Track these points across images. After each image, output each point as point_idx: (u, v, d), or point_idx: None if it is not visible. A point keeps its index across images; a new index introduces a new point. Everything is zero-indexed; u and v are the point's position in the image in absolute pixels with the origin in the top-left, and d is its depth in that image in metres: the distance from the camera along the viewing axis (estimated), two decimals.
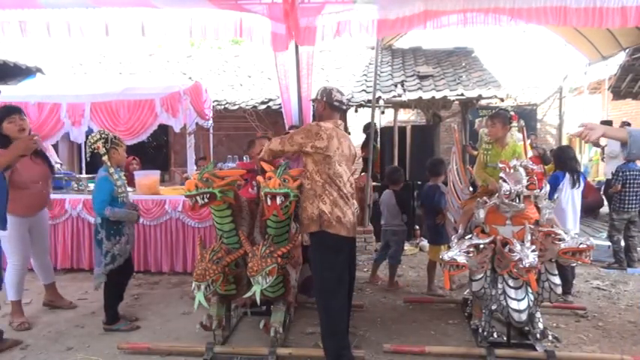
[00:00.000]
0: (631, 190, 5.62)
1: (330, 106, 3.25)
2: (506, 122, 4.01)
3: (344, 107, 3.32)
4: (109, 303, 3.80)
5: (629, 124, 8.48)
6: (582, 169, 5.49)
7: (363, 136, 8.74)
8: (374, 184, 6.49)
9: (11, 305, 3.90)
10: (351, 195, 3.21)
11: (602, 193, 7.95)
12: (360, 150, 9.44)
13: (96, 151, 3.70)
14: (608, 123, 8.74)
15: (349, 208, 3.16)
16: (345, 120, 9.04)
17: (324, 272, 3.13)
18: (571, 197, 4.56)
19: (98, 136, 3.71)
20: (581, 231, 5.11)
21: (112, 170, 3.72)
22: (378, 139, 8.20)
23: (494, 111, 4.30)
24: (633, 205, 5.64)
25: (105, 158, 3.70)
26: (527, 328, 3.32)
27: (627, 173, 5.64)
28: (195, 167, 6.69)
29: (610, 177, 7.58)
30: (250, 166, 4.11)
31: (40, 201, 3.97)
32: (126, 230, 3.79)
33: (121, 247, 3.74)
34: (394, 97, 8.03)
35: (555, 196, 4.20)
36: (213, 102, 7.62)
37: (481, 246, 3.10)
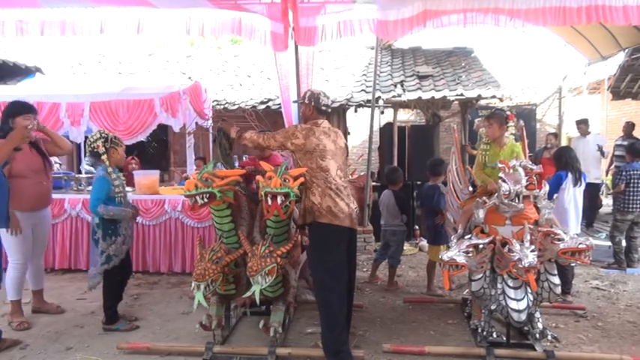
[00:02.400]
0: (635, 190, 5.52)
1: (318, 111, 3.38)
2: (503, 122, 4.01)
3: (329, 110, 3.49)
4: (108, 303, 3.80)
5: (633, 125, 8.44)
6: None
7: (363, 136, 8.73)
8: (373, 184, 6.49)
9: (11, 305, 3.89)
10: (343, 187, 3.26)
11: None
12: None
13: (95, 150, 3.71)
14: (584, 122, 8.61)
15: (341, 199, 3.20)
16: (344, 120, 9.04)
17: (319, 263, 3.18)
18: (573, 196, 4.56)
19: (98, 136, 3.73)
20: (581, 231, 5.11)
21: (110, 170, 3.72)
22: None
23: (491, 111, 4.31)
24: (637, 205, 5.55)
25: (104, 157, 3.71)
26: (526, 328, 3.32)
27: (631, 173, 5.54)
28: (194, 167, 6.69)
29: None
30: (252, 163, 4.13)
31: (41, 194, 3.91)
32: (122, 230, 3.78)
33: (117, 247, 3.73)
34: (394, 97, 8.03)
35: (555, 195, 4.20)
36: (213, 102, 7.62)
37: (480, 246, 3.10)
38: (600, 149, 7.99)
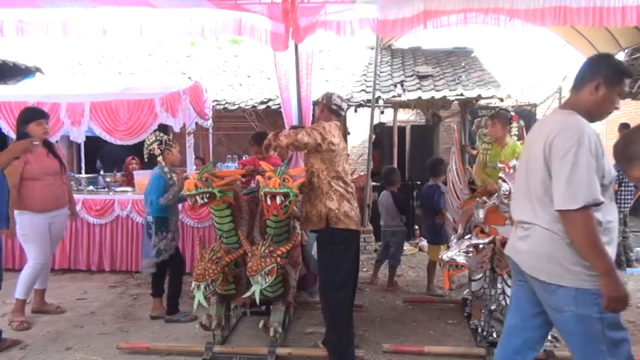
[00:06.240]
0: (627, 189, 5.63)
1: (329, 109, 3.30)
2: (506, 122, 4.03)
3: (341, 112, 3.35)
4: (171, 294, 3.99)
5: (628, 126, 8.44)
6: None
7: (363, 136, 8.74)
8: (373, 184, 6.49)
9: (15, 303, 3.89)
10: (352, 189, 3.26)
11: None
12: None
13: (152, 152, 3.96)
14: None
15: (353, 202, 3.21)
16: (344, 120, 9.03)
17: (332, 268, 3.15)
18: None
19: (153, 138, 3.99)
20: None
21: (166, 169, 3.99)
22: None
23: (493, 111, 4.32)
24: (628, 203, 5.68)
25: (159, 159, 3.98)
26: None
27: (622, 172, 5.59)
28: (194, 167, 6.69)
29: None
30: (250, 163, 4.14)
31: (54, 195, 3.94)
32: (172, 227, 3.98)
33: (167, 242, 3.93)
34: (394, 97, 8.03)
35: None
36: (213, 102, 7.62)
37: (480, 246, 3.10)
38: None
